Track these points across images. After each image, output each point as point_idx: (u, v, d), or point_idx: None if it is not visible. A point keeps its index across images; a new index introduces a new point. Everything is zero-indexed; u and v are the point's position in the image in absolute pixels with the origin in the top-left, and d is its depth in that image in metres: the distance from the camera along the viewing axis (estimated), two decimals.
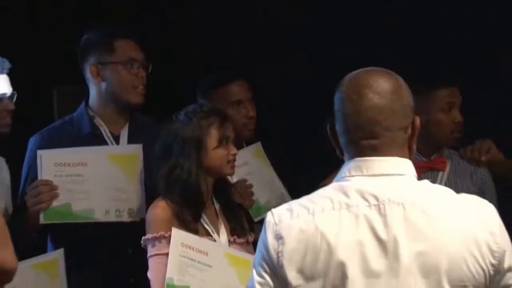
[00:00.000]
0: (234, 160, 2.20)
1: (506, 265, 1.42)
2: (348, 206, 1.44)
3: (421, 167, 2.37)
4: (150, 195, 2.27)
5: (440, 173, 2.53)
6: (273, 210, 1.52)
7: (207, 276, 2.01)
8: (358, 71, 1.52)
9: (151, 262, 2.05)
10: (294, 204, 1.50)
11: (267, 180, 2.51)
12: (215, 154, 2.15)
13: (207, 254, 2.06)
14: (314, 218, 1.43)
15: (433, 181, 2.38)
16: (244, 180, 2.38)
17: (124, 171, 2.29)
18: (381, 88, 1.47)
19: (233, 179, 2.36)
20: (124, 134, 2.43)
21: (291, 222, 1.45)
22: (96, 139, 2.35)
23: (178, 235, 2.01)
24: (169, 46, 3.77)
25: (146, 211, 2.18)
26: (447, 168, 2.53)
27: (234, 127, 2.29)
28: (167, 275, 1.98)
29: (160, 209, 2.11)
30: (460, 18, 3.46)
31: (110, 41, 2.37)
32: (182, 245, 2.02)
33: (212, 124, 2.18)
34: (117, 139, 2.42)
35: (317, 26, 3.76)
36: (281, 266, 1.43)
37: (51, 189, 2.19)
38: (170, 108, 2.38)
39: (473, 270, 1.40)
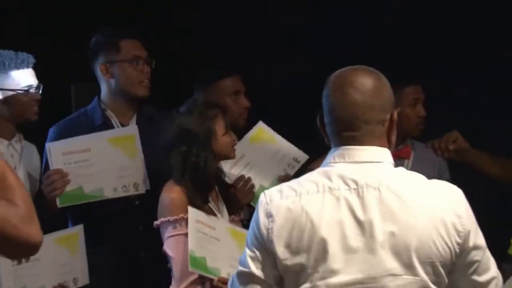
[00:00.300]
0: (235, 144, 2.43)
1: (470, 244, 1.54)
2: (330, 189, 1.57)
3: (394, 153, 2.52)
4: (152, 177, 2.49)
5: (406, 161, 2.77)
6: (266, 191, 1.65)
7: (216, 248, 2.20)
8: (343, 69, 1.64)
9: (171, 242, 2.25)
10: (284, 186, 1.63)
11: (271, 157, 2.64)
12: (224, 140, 2.37)
13: (215, 229, 2.27)
14: (300, 199, 1.56)
15: (401, 166, 2.56)
16: (243, 177, 2.50)
17: (124, 151, 2.46)
18: (362, 85, 1.59)
19: (231, 174, 2.54)
20: (132, 124, 2.63)
21: (281, 202, 1.58)
22: (107, 129, 2.57)
23: (193, 212, 2.21)
24: (171, 46, 3.89)
25: (148, 184, 2.45)
26: (412, 157, 2.78)
27: (230, 116, 2.50)
28: (189, 248, 2.18)
29: (176, 194, 2.29)
30: (459, 18, 3.53)
31: (116, 42, 2.57)
32: (197, 221, 2.22)
33: (218, 113, 2.40)
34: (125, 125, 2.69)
35: (317, 26, 3.80)
36: (271, 242, 1.55)
37: (63, 177, 2.36)
38: (173, 103, 2.60)
39: (440, 249, 1.52)
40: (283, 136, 2.78)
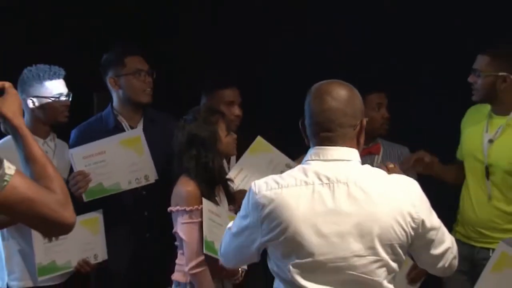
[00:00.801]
0: (235, 142, 2.70)
1: (425, 227, 1.77)
2: (306, 183, 1.77)
3: (364, 152, 2.90)
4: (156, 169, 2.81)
5: (376, 156, 3.05)
6: (255, 181, 1.85)
7: (220, 232, 2.33)
8: (323, 81, 1.86)
9: (186, 228, 2.51)
10: (269, 179, 1.83)
11: (267, 165, 2.85)
12: (226, 141, 2.66)
13: (220, 217, 2.55)
14: (282, 191, 1.77)
15: (371, 162, 2.97)
16: (244, 190, 2.59)
17: (133, 150, 2.76)
18: (337, 95, 1.80)
19: (234, 187, 2.79)
20: (140, 127, 2.94)
21: (266, 192, 1.78)
22: (119, 131, 2.87)
23: (206, 203, 2.50)
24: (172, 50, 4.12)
25: (156, 174, 2.77)
26: (381, 153, 3.05)
27: (231, 124, 2.79)
28: (204, 234, 2.47)
29: (192, 188, 2.55)
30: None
31: (121, 58, 2.89)
32: (209, 211, 2.51)
33: (219, 118, 2.67)
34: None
35: (316, 26, 3.89)
36: (257, 222, 1.79)
37: (85, 177, 2.67)
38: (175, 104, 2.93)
39: (398, 233, 1.74)
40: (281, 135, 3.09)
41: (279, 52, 3.97)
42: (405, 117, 3.23)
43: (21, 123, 1.81)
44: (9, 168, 1.64)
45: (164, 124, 2.93)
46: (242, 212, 1.91)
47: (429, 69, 3.45)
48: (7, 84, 1.82)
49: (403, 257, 1.79)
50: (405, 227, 1.76)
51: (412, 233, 1.76)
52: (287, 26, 3.99)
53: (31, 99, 2.70)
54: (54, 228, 1.74)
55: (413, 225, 1.76)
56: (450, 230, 2.74)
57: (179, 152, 2.64)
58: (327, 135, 1.81)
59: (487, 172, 2.87)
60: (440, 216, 1.85)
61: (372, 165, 2.54)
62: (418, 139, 3.15)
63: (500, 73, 2.78)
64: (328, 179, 1.79)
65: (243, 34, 4.02)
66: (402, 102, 3.17)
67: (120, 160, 2.75)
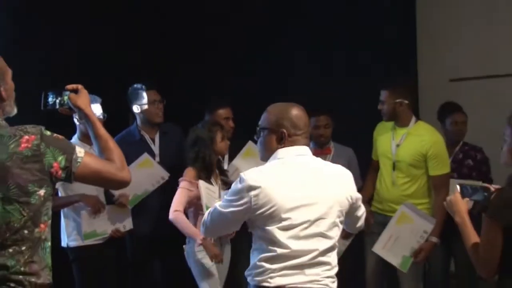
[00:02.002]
0: (228, 147, 3.69)
1: (357, 200, 2.43)
2: (282, 170, 2.31)
3: (318, 153, 3.88)
4: (168, 168, 3.85)
5: (328, 156, 4.08)
6: (244, 172, 2.30)
7: (214, 202, 2.88)
8: (282, 103, 2.43)
9: (180, 190, 3.52)
10: (256, 169, 2.31)
11: (256, 164, 3.50)
12: (221, 145, 3.68)
13: (215, 192, 3.48)
14: (266, 177, 2.26)
15: (324, 160, 3.72)
16: None
17: (146, 166, 3.83)
18: (299, 109, 2.39)
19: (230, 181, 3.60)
20: (157, 138, 4.04)
21: (255, 178, 2.24)
22: (142, 141, 3.98)
23: (202, 183, 3.42)
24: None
25: (167, 173, 3.82)
26: (332, 153, 4.14)
27: (226, 133, 3.77)
28: (204, 202, 3.34)
29: (193, 172, 3.58)
30: None
31: (141, 92, 3.96)
32: (206, 188, 3.41)
33: (218, 129, 3.69)
34: (153, 140, 4.04)
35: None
36: (249, 201, 2.23)
37: (126, 195, 3.77)
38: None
39: (345, 203, 2.36)
40: None
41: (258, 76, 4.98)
42: (347, 127, 4.34)
43: (90, 111, 2.30)
44: (80, 152, 2.10)
45: (173, 133, 4.06)
46: (233, 195, 2.32)
47: (359, 99, 4.67)
48: (80, 86, 2.34)
49: (343, 218, 2.38)
50: (350, 199, 2.39)
51: (351, 203, 2.40)
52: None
53: None
54: (116, 185, 2.35)
55: (353, 200, 2.41)
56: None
57: (187, 148, 3.66)
58: (295, 139, 2.37)
59: (394, 166, 3.86)
60: None
61: None
62: (355, 141, 4.31)
63: (397, 100, 3.80)
64: (298, 164, 2.34)
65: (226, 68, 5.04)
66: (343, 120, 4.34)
67: (141, 175, 3.72)
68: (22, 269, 2.00)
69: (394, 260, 3.74)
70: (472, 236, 2.48)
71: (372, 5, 5.04)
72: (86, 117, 2.29)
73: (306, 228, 2.27)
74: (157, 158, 4.00)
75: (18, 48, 4.08)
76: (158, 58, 4.95)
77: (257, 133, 2.44)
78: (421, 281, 4.02)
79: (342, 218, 2.36)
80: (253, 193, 2.23)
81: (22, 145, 2.03)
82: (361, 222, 2.54)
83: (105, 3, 4.71)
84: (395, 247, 3.77)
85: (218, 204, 2.37)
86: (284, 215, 2.24)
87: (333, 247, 2.33)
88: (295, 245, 2.25)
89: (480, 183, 2.61)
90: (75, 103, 2.28)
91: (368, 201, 3.97)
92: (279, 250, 2.25)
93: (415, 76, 5.32)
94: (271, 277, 2.27)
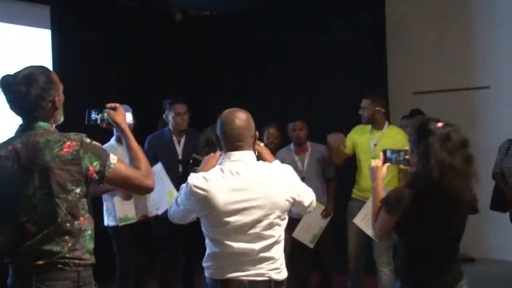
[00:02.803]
0: None
1: (299, 196, 2.47)
2: (222, 177, 2.35)
3: (298, 151, 4.76)
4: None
5: (306, 153, 4.75)
6: (190, 176, 2.40)
7: None
8: (228, 109, 2.46)
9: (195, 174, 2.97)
10: (200, 175, 2.37)
11: None
12: None
13: None
14: (208, 183, 2.34)
15: (303, 157, 4.75)
16: None
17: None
18: (241, 117, 2.42)
19: None
20: (182, 140, 4.65)
21: (199, 185, 2.33)
22: (172, 143, 4.60)
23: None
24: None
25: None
26: (309, 151, 4.77)
27: None
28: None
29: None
30: None
31: (170, 106, 4.65)
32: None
33: None
34: (180, 143, 4.65)
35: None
36: (194, 203, 2.36)
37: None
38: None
39: (286, 204, 2.42)
40: None
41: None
42: (326, 129, 4.81)
43: (126, 127, 2.50)
44: (113, 159, 2.30)
45: (195, 139, 4.29)
46: (183, 195, 2.43)
47: (338, 108, 5.45)
48: (117, 104, 2.53)
49: (286, 215, 2.46)
50: (289, 198, 2.44)
51: (292, 200, 2.46)
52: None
53: None
54: (140, 191, 2.52)
55: (294, 196, 2.46)
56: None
57: (199, 149, 3.67)
58: (237, 144, 2.40)
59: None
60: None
61: (304, 160, 4.69)
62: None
63: (377, 108, 4.47)
64: (238, 173, 2.37)
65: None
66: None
67: (161, 184, 4.27)
68: (66, 255, 2.24)
69: (369, 231, 4.11)
70: (377, 204, 2.69)
71: (350, 31, 6.01)
72: (121, 131, 2.49)
73: (245, 230, 2.37)
74: (180, 157, 4.60)
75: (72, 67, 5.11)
76: (191, 77, 6.37)
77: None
78: (391, 250, 4.43)
79: (284, 216, 2.46)
80: (196, 196, 2.37)
81: (64, 150, 2.23)
82: (309, 208, 2.59)
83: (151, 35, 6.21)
84: (370, 221, 4.27)
85: (178, 195, 2.52)
86: (224, 219, 2.35)
87: (275, 243, 2.43)
88: (236, 245, 2.37)
89: (403, 148, 2.76)
90: (114, 119, 2.49)
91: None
92: (223, 249, 2.39)
93: (386, 90, 6.04)
94: (219, 272, 2.41)
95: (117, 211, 4.33)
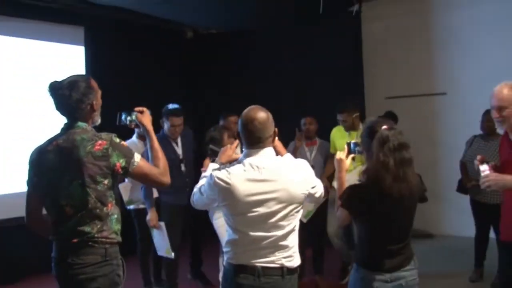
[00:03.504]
0: (232, 143, 3.14)
1: (314, 188, 2.47)
2: (243, 170, 2.37)
3: (308, 144, 5.03)
4: (188, 162, 4.58)
5: (315, 146, 5.03)
6: (214, 170, 2.41)
7: None
8: (249, 108, 2.42)
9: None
10: (223, 169, 2.39)
11: None
12: (226, 142, 3.98)
13: None
14: (231, 176, 2.37)
15: (312, 149, 4.99)
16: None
17: None
18: (261, 117, 2.39)
19: None
20: (179, 141, 4.63)
21: (222, 177, 2.36)
22: (170, 145, 4.49)
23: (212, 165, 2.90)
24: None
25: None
26: (317, 145, 5.07)
27: (232, 134, 4.21)
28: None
29: (209, 162, 3.40)
30: None
31: (167, 116, 4.57)
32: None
33: (225, 131, 4.20)
34: (178, 144, 4.63)
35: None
36: (216, 194, 2.38)
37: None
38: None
39: (302, 197, 2.41)
40: None
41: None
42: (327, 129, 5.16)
43: (151, 128, 2.57)
44: (137, 157, 2.41)
45: (188, 136, 4.71)
46: (207, 185, 2.42)
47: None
48: (145, 108, 2.60)
49: (302, 203, 2.43)
50: (305, 191, 2.42)
51: (309, 192, 2.44)
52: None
53: None
54: (157, 185, 2.74)
55: (309, 188, 2.44)
56: None
57: (204, 145, 4.04)
58: (257, 142, 2.38)
59: (353, 158, 4.01)
60: None
61: (312, 151, 4.91)
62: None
63: (354, 116, 4.73)
64: (258, 167, 2.35)
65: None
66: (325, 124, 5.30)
67: (164, 242, 4.39)
68: (96, 235, 2.37)
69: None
70: (340, 192, 2.66)
71: (333, 46, 6.58)
72: (147, 132, 2.58)
73: (264, 220, 2.36)
74: (181, 157, 4.62)
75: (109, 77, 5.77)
76: (198, 83, 7.15)
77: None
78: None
79: (300, 207, 2.44)
80: (219, 187, 2.37)
81: (96, 147, 2.33)
82: (320, 199, 2.60)
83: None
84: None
85: (202, 185, 2.53)
86: (244, 209, 2.35)
87: (289, 232, 2.40)
88: (255, 233, 2.35)
89: None
90: (141, 121, 2.57)
91: (328, 177, 4.81)
92: (242, 236, 2.38)
93: (362, 95, 6.58)
94: (235, 257, 2.40)
95: (123, 195, 4.62)
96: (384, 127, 2.50)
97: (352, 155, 2.80)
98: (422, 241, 6.17)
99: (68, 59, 6.10)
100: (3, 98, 5.63)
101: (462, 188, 5.03)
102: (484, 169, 2.84)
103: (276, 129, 2.45)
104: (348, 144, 2.82)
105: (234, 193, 2.33)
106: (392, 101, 6.78)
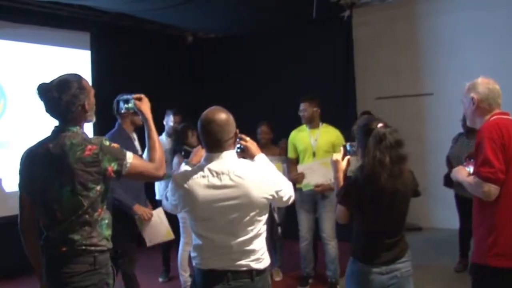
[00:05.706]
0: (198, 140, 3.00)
1: (278, 192, 2.31)
2: (202, 176, 2.23)
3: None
4: None
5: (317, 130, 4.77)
6: (174, 174, 2.30)
7: None
8: (209, 108, 2.26)
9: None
10: (183, 173, 2.28)
11: None
12: (191, 139, 4.26)
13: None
14: (189, 181, 2.24)
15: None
16: None
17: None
18: (219, 119, 2.23)
19: None
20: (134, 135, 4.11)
21: (181, 182, 2.25)
22: (130, 139, 3.99)
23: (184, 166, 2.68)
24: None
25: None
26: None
27: None
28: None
29: (179, 158, 3.99)
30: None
31: (169, 114, 5.17)
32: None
33: (188, 130, 4.30)
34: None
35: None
36: (177, 199, 2.29)
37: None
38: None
39: (264, 202, 2.26)
40: None
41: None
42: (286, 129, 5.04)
43: (149, 116, 2.38)
44: (129, 157, 2.25)
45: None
46: (170, 191, 2.32)
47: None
48: (143, 95, 2.42)
49: (267, 210, 2.30)
50: (269, 196, 2.27)
51: (272, 196, 2.30)
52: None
53: None
54: (152, 180, 2.78)
55: (271, 194, 2.29)
56: None
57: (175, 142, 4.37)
58: (216, 146, 2.23)
59: (314, 154, 4.66)
60: None
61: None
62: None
63: (314, 109, 4.64)
64: (216, 172, 2.22)
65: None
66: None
67: (160, 225, 4.10)
68: (84, 242, 2.24)
69: (305, 181, 4.56)
70: (338, 190, 2.62)
71: (327, 52, 6.66)
72: (145, 120, 2.41)
73: (225, 226, 2.23)
74: (139, 152, 4.11)
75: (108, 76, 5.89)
76: (198, 83, 7.19)
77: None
78: (334, 228, 4.73)
79: (264, 211, 2.31)
80: (179, 193, 2.27)
81: (86, 153, 2.19)
82: (289, 202, 2.44)
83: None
84: (309, 175, 4.63)
85: (169, 188, 2.37)
86: (205, 215, 2.23)
87: (255, 237, 2.28)
88: (218, 239, 2.24)
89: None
90: (139, 108, 2.40)
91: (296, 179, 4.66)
92: (205, 242, 2.27)
93: (354, 96, 6.54)
94: (204, 262, 2.29)
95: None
96: (380, 125, 2.46)
97: (348, 157, 2.74)
98: (411, 234, 6.25)
99: (75, 63, 6.20)
100: (14, 101, 5.68)
101: (449, 182, 4.92)
102: (467, 164, 2.81)
103: (237, 131, 2.31)
104: (344, 146, 2.78)
105: (193, 199, 2.23)
106: (381, 101, 6.86)
